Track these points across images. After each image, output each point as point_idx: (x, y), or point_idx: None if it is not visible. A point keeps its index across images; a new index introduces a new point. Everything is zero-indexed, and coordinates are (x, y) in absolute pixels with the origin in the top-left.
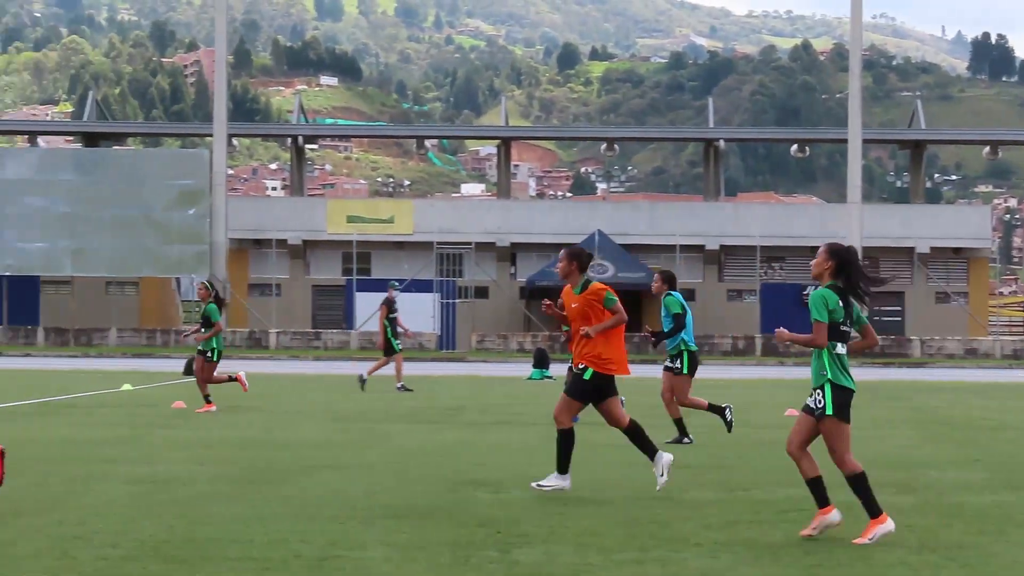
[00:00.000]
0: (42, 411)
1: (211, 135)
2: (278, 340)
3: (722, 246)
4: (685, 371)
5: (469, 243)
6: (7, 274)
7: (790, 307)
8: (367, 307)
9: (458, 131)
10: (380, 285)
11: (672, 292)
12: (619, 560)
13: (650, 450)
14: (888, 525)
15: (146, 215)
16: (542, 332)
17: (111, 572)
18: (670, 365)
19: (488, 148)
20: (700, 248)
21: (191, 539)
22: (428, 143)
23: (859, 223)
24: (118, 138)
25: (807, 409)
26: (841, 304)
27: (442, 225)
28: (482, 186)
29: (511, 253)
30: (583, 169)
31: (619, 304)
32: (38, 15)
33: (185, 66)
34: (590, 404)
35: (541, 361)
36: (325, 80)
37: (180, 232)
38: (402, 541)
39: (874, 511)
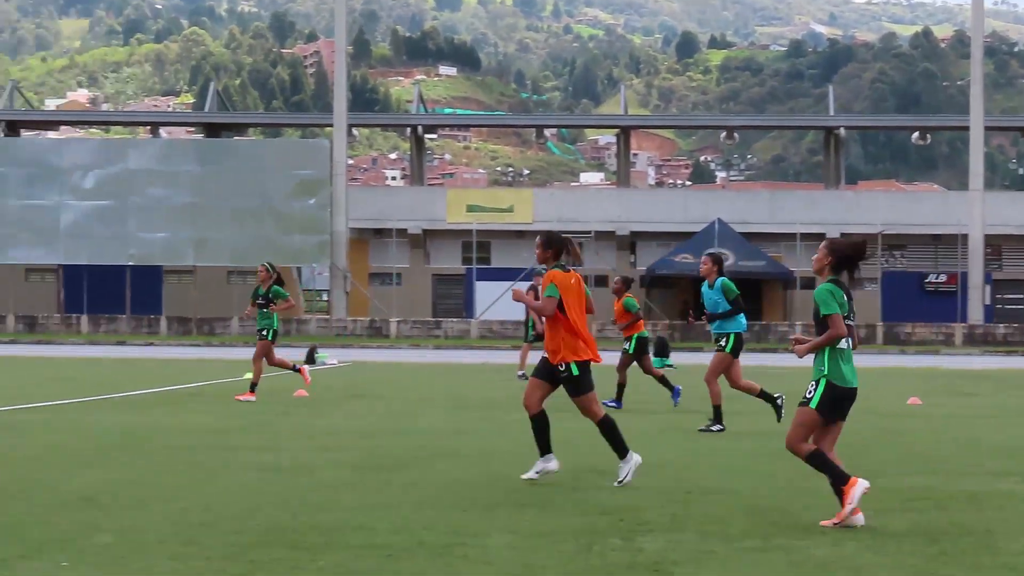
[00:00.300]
0: (166, 400)
1: (331, 125)
2: (399, 329)
3: (843, 234)
4: (729, 350)
5: (589, 232)
6: (131, 264)
7: (911, 295)
8: (487, 296)
9: (577, 120)
10: (500, 274)
11: (723, 275)
12: (742, 548)
13: (621, 449)
14: (861, 484)
15: (267, 205)
16: (662, 321)
17: (236, 558)
18: (720, 344)
19: (607, 137)
20: (821, 236)
21: (315, 526)
22: (547, 132)
23: (981, 211)
24: (239, 129)
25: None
26: (845, 299)
27: (562, 214)
28: (601, 175)
29: (631, 242)
30: (702, 158)
31: (552, 300)
32: (159, 7)
33: (305, 57)
34: (545, 385)
35: (662, 349)
36: (444, 70)
37: (301, 222)
38: (525, 528)
39: (841, 481)
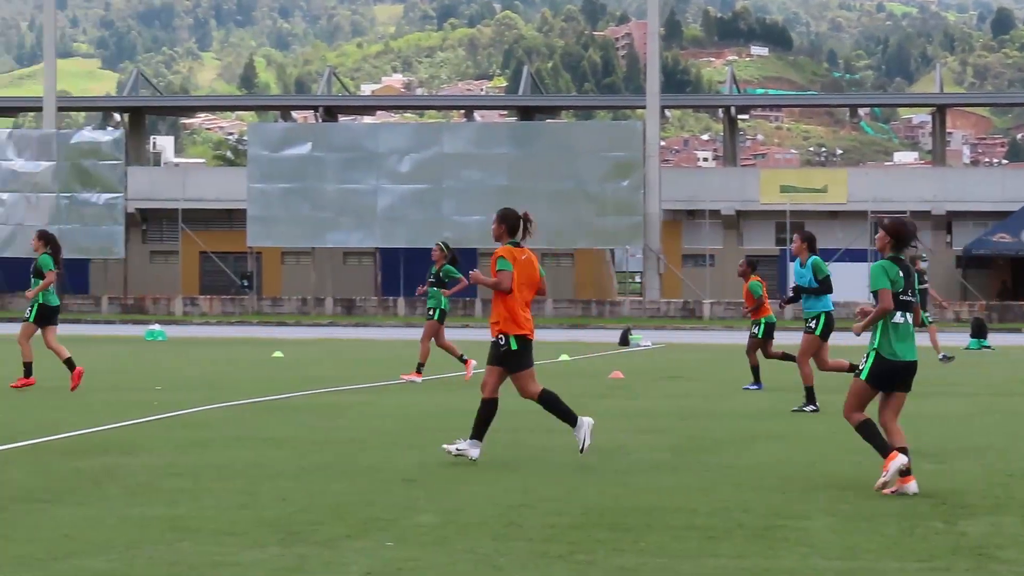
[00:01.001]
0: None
1: (643, 107)
2: (711, 310)
3: None
4: (818, 333)
5: (904, 211)
6: None
7: None
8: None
9: (891, 99)
10: None
11: (815, 254)
12: None
13: (569, 417)
14: (899, 460)
15: (580, 187)
16: (979, 301)
17: (558, 539)
18: (810, 326)
19: (921, 116)
20: None
21: (635, 507)
22: (860, 111)
23: None
24: (551, 111)
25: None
26: (901, 275)
27: (876, 194)
28: (915, 154)
29: (947, 221)
30: (1019, 136)
31: (506, 272)
32: None
33: (616, 39)
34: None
35: (979, 331)
36: (755, 50)
37: (614, 204)
38: (846, 511)
39: (883, 453)
